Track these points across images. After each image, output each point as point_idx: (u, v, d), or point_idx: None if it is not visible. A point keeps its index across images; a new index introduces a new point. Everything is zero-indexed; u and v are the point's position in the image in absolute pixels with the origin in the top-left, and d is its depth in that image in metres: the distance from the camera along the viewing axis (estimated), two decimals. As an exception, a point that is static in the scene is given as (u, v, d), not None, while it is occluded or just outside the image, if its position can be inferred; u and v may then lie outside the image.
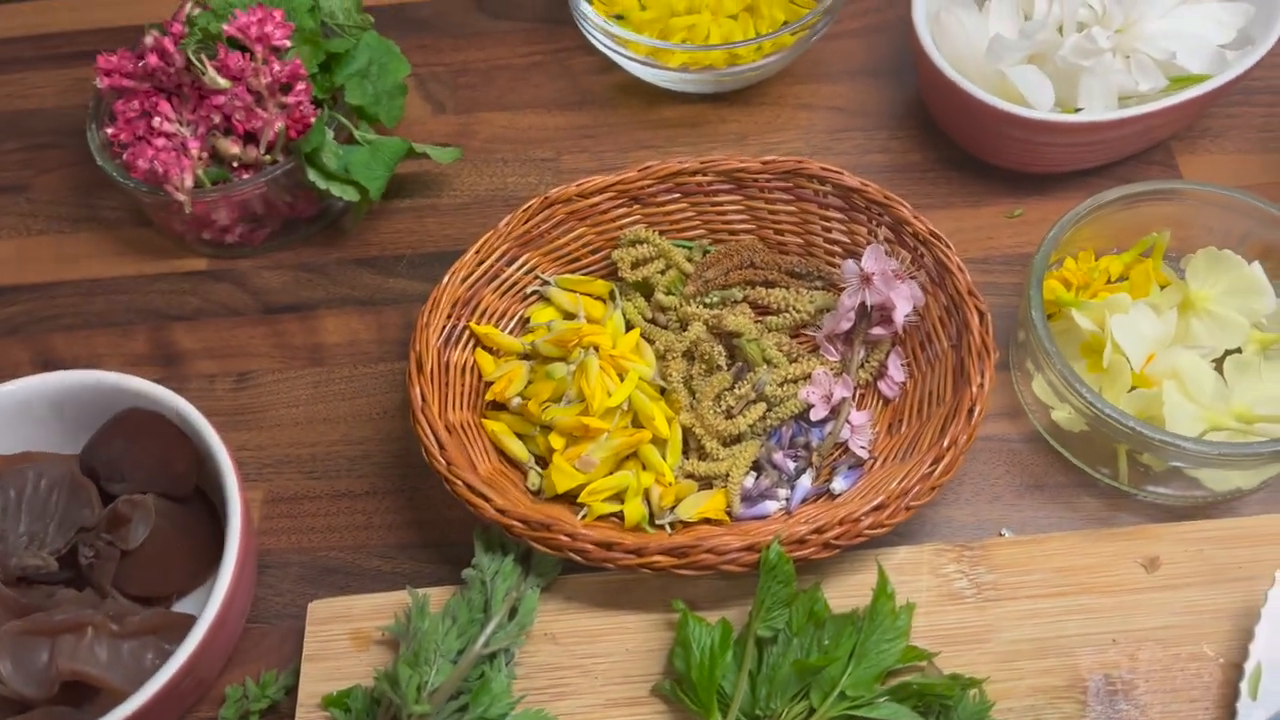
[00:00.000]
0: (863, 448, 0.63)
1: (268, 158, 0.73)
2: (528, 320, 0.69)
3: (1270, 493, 0.63)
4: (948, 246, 0.63)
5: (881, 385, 0.66)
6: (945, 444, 0.58)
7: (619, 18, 0.81)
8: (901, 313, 0.63)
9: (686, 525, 0.61)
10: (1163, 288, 0.66)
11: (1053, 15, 0.73)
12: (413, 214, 0.79)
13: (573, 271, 0.70)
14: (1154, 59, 0.71)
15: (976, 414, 0.58)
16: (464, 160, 0.81)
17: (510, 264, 0.68)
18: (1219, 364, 0.63)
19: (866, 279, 0.64)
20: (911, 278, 0.64)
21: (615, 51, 0.78)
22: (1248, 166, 0.76)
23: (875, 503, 0.56)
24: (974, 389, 0.59)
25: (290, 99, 0.72)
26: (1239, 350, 0.63)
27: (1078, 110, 0.71)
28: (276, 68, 0.71)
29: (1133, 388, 0.62)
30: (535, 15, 0.89)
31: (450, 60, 0.87)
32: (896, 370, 0.65)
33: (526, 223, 0.67)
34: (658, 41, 0.76)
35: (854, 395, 0.64)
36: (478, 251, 0.66)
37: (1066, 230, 0.64)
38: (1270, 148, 0.77)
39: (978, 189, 0.77)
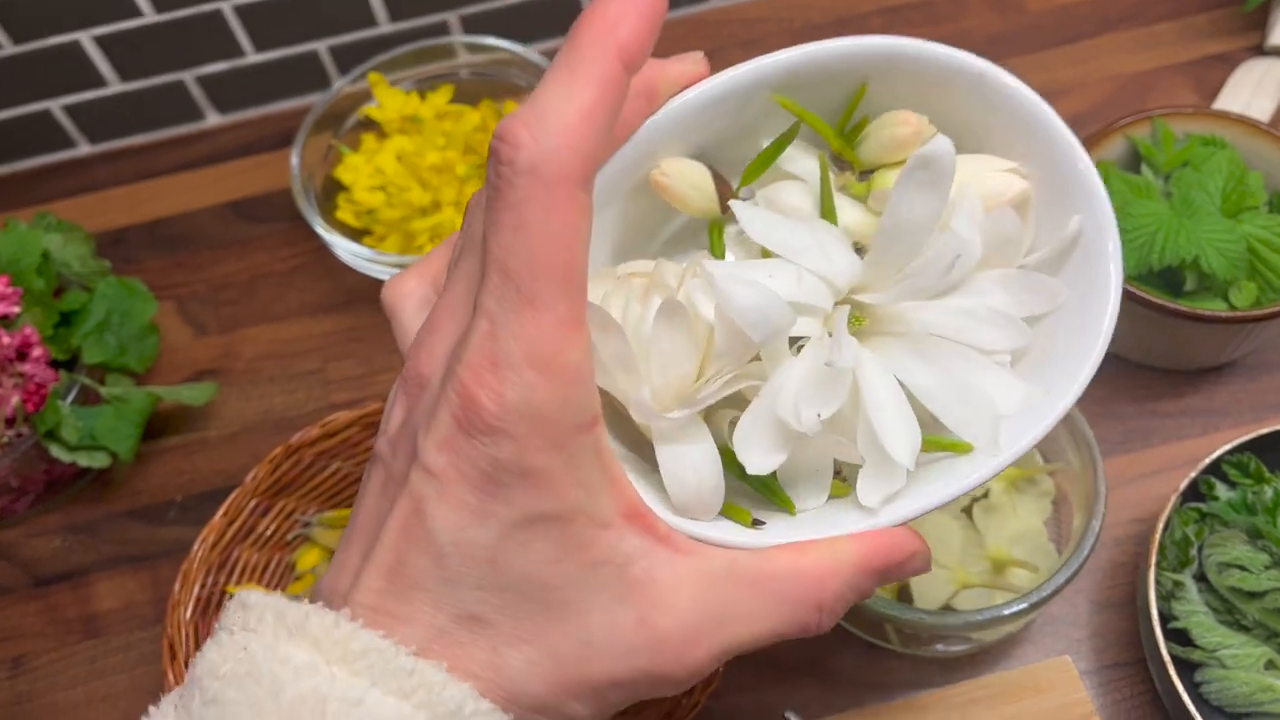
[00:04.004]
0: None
1: (10, 433, 0.71)
2: (294, 566, 0.67)
3: (1039, 628, 0.64)
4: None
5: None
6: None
7: (370, 212, 0.80)
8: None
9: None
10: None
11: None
12: (181, 452, 0.77)
13: (335, 506, 0.69)
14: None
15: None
16: (230, 385, 0.79)
17: (264, 515, 0.66)
18: (968, 510, 0.64)
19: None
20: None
21: (369, 266, 0.77)
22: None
23: (635, 736, 0.56)
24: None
25: (26, 368, 0.70)
26: (985, 495, 0.64)
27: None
28: (5, 340, 0.69)
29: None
30: (294, 212, 0.88)
31: (211, 275, 0.86)
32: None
33: (274, 473, 0.66)
34: (403, 257, 0.74)
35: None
36: (225, 513, 0.64)
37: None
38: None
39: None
